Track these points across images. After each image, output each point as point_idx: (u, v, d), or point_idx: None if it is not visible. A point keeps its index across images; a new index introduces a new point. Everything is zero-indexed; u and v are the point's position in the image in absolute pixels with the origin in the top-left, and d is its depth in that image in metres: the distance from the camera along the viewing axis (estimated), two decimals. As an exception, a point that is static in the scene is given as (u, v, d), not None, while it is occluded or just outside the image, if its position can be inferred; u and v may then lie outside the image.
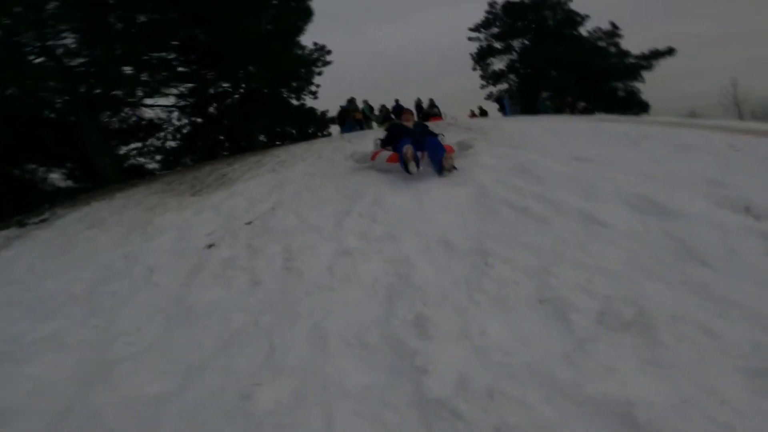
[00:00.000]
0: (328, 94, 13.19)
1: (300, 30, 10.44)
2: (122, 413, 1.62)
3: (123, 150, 9.79)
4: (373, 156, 4.24)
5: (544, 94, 19.03)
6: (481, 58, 21.33)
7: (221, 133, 10.71)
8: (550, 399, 1.31)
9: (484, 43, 21.30)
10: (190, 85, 9.40)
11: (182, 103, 9.65)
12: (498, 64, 21.23)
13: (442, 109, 13.44)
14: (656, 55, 18.41)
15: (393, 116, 13.24)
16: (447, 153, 3.71)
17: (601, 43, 19.70)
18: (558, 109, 15.27)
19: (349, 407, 1.43)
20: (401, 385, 1.48)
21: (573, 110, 14.66)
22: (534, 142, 4.83)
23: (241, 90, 10.19)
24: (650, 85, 18.97)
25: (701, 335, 1.44)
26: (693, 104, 24.49)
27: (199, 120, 10.17)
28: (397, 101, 13.75)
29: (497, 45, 21.15)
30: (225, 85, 10.01)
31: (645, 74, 18.74)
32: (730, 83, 25.00)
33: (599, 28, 19.69)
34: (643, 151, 3.78)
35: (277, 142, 10.92)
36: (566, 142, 4.62)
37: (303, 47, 11.73)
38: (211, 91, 9.99)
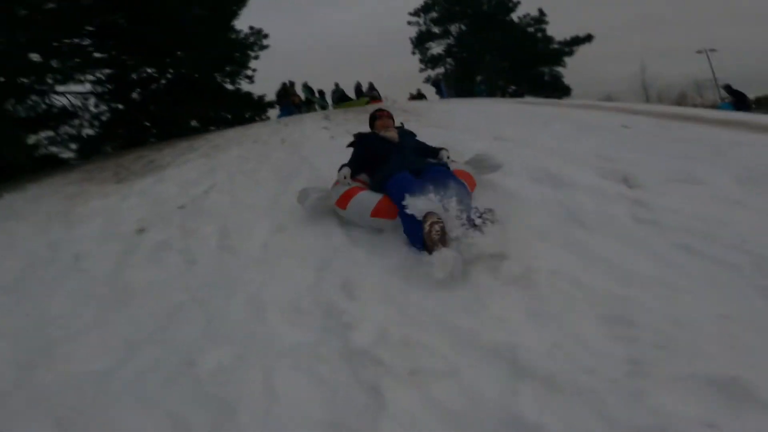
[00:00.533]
0: (271, 78, 12.80)
1: (234, 14, 10.03)
2: (67, 389, 1.65)
3: (32, 139, 8.88)
4: (342, 199, 2.50)
5: (479, 78, 19.79)
6: (420, 42, 21.62)
7: (147, 120, 10.02)
8: (454, 345, 1.51)
9: (423, 28, 21.59)
10: (108, 71, 8.70)
11: (100, 89, 8.93)
12: (436, 48, 21.67)
13: (381, 92, 13.57)
14: (577, 41, 19.78)
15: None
16: (469, 189, 2.42)
17: (530, 29, 20.75)
18: (491, 93, 16.04)
19: (286, 363, 1.56)
20: (331, 341, 1.64)
21: (504, 93, 15.52)
22: (462, 123, 5.17)
23: (169, 75, 9.60)
24: (572, 70, 20.44)
25: (572, 287, 1.69)
26: (611, 89, 26.70)
27: (120, 106, 9.45)
28: (336, 84, 13.64)
29: (435, 29, 21.52)
30: (149, 70, 9.37)
31: (567, 60, 20.12)
32: (640, 69, 27.65)
33: (528, 14, 20.72)
34: (551, 131, 4.23)
35: (211, 128, 10.46)
36: (490, 123, 5.01)
37: (237, 31, 11.27)
38: (134, 76, 9.29)
